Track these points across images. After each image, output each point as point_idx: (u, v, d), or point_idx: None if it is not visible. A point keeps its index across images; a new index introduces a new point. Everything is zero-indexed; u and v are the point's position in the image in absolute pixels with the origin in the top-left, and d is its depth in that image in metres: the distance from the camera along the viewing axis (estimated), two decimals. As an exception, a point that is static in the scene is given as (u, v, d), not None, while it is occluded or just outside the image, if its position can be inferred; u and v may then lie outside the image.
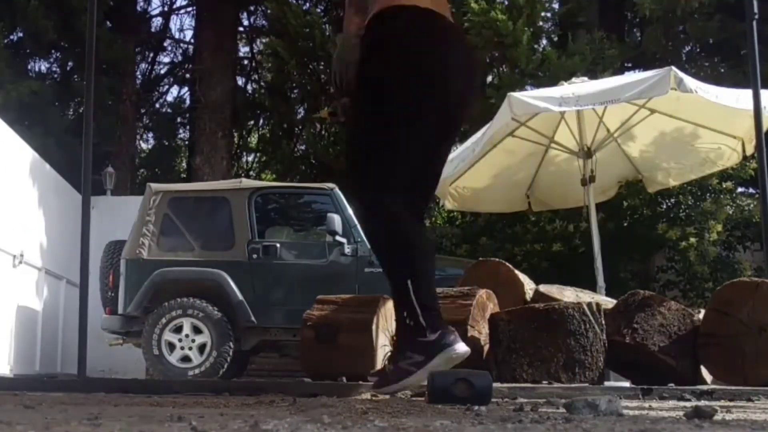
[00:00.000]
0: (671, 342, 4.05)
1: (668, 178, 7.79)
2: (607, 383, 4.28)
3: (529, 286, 5.09)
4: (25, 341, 8.61)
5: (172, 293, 7.22)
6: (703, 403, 2.78)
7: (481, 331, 4.32)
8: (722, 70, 10.97)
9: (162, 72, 17.27)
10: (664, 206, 10.29)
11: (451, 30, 2.95)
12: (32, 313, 8.84)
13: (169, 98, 17.68)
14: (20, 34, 12.62)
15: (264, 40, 15.21)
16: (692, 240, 9.64)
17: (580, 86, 6.18)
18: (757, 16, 5.03)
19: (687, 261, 9.85)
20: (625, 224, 9.89)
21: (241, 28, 16.11)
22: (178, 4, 17.52)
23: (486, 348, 4.29)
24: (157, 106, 17.26)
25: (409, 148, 2.80)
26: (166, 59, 17.29)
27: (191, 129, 15.42)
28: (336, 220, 7.22)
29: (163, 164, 17.02)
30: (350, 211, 7.78)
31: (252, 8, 15.80)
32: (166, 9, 17.17)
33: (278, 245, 7.52)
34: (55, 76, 14.10)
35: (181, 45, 17.22)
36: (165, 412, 1.99)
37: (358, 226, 7.63)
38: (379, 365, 4.09)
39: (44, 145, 10.39)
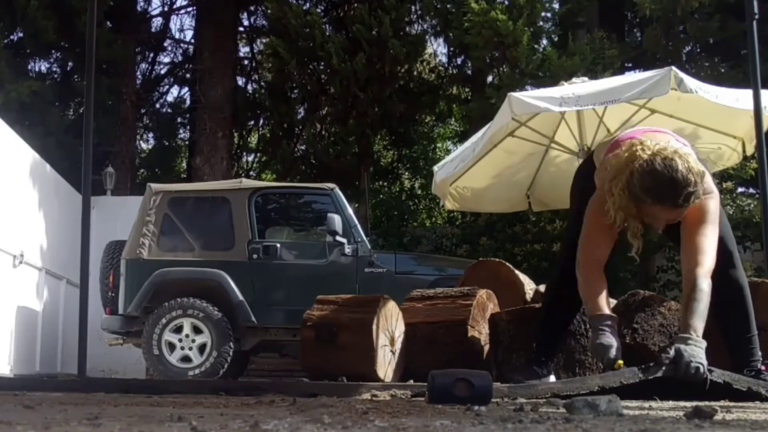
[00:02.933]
0: (671, 342, 4.03)
1: (669, 178, 7.76)
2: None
3: (529, 286, 5.09)
4: (25, 341, 8.60)
5: (172, 293, 7.22)
6: (703, 403, 2.78)
7: (481, 331, 4.32)
8: (722, 70, 10.95)
9: (162, 72, 17.26)
10: (665, 206, 10.26)
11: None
12: (32, 313, 8.83)
13: (169, 98, 17.68)
14: (20, 34, 12.60)
15: (264, 40, 15.20)
16: (693, 240, 9.61)
17: (581, 86, 6.16)
18: (757, 16, 5.04)
19: (688, 261, 9.82)
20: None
21: (241, 28, 16.11)
22: (178, 4, 17.53)
23: (486, 348, 4.29)
24: (157, 106, 17.25)
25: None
26: (166, 59, 17.29)
27: (191, 129, 15.41)
28: (336, 220, 7.21)
29: (163, 164, 17.00)
30: (350, 211, 7.79)
31: (252, 8, 15.80)
32: (166, 9, 17.17)
33: (278, 245, 7.52)
34: (55, 76, 14.09)
35: (181, 45, 17.22)
36: (165, 412, 1.99)
37: (358, 226, 7.64)
38: (379, 365, 4.10)
39: (44, 145, 10.39)
